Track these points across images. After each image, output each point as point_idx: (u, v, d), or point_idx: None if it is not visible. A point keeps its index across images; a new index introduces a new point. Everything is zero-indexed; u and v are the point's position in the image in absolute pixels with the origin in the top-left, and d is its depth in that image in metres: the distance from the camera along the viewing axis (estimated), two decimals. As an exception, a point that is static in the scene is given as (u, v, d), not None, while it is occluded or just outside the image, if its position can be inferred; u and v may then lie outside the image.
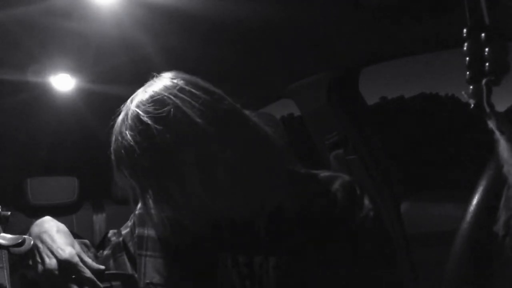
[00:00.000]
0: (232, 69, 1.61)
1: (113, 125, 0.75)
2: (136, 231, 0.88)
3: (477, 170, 0.83)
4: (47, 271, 0.75)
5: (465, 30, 0.55)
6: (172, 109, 0.68)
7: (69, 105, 2.23)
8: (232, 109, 0.74)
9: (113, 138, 0.73)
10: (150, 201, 0.75)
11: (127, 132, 0.70)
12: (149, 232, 0.85)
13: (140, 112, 0.70)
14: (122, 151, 0.70)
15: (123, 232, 0.92)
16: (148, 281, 0.81)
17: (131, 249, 0.89)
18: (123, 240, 0.91)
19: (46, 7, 1.13)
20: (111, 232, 0.97)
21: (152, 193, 0.73)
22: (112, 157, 0.73)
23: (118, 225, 0.97)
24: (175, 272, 0.79)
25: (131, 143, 0.68)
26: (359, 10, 1.12)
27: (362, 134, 1.61)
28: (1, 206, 0.84)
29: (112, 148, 0.73)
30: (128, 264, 0.89)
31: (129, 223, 0.92)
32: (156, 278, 0.80)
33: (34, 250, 0.79)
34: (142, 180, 0.71)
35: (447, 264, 0.81)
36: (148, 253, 0.84)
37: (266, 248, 0.74)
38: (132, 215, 0.92)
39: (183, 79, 0.74)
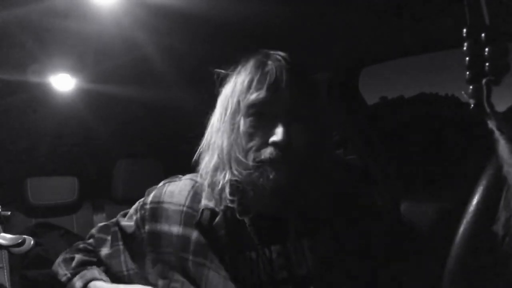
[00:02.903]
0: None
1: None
2: (147, 227, 0.86)
3: (478, 170, 0.83)
4: None
5: (465, 30, 0.55)
6: None
7: (69, 105, 2.23)
8: None
9: None
10: None
11: None
12: (164, 228, 0.83)
13: None
14: None
15: (123, 223, 0.90)
16: (165, 276, 0.81)
17: (133, 243, 0.87)
18: (122, 230, 0.90)
19: (46, 7, 1.13)
20: (94, 229, 0.97)
21: None
22: None
23: (118, 225, 0.97)
24: (197, 270, 0.78)
25: None
26: (359, 10, 1.12)
27: (362, 134, 1.61)
28: (1, 206, 0.84)
29: None
30: (123, 256, 0.88)
31: (134, 216, 0.89)
32: (176, 276, 0.79)
33: None
34: None
35: (447, 264, 0.81)
36: (167, 250, 0.82)
37: (297, 234, 0.77)
38: (137, 207, 0.90)
39: None
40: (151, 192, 0.90)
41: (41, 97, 2.11)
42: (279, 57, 0.77)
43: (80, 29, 1.29)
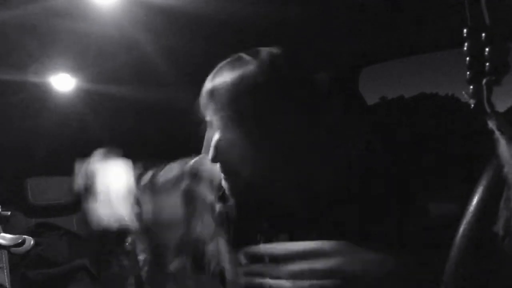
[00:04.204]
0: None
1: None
2: None
3: (477, 170, 0.83)
4: None
5: (465, 30, 0.55)
6: None
7: (69, 105, 2.23)
8: None
9: None
10: None
11: None
12: None
13: None
14: None
15: None
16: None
17: None
18: None
19: (46, 7, 1.13)
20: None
21: None
22: None
23: (118, 225, 0.96)
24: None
25: None
26: (359, 10, 1.12)
27: (362, 134, 1.61)
28: (1, 206, 0.84)
29: None
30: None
31: None
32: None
33: None
34: None
35: (447, 264, 0.80)
36: None
37: (305, 228, 0.76)
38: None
39: None
40: None
41: (41, 97, 2.11)
42: (247, 58, 0.78)
43: (80, 29, 1.29)
